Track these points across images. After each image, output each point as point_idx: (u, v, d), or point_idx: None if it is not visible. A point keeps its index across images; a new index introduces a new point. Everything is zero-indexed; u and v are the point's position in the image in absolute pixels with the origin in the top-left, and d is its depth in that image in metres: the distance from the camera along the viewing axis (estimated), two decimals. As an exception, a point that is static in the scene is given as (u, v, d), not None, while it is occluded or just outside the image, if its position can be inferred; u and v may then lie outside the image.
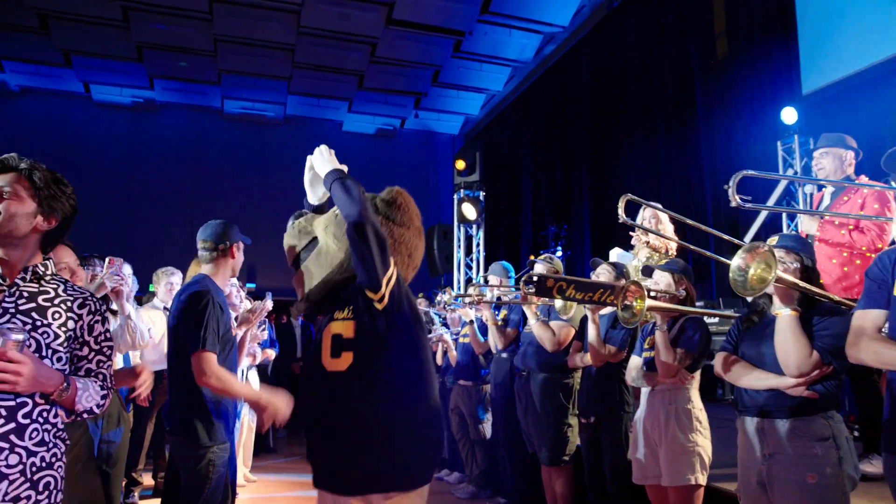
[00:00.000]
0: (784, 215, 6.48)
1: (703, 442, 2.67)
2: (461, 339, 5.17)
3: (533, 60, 11.63)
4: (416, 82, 12.20)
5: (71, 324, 1.67)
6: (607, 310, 3.33)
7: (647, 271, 2.99)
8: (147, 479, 4.97)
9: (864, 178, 3.52)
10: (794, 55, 6.65)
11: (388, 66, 11.46)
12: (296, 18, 9.90)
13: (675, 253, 4.34)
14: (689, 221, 3.10)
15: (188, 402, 2.52)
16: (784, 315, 2.07)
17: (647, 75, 9.32)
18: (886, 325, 1.82)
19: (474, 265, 9.02)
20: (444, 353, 5.45)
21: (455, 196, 8.99)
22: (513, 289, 4.40)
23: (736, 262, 2.10)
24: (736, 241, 2.87)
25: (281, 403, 2.42)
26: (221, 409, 2.58)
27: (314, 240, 1.95)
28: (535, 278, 2.69)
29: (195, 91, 12.25)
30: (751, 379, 2.20)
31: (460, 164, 8.59)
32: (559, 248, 9.97)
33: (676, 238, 4.41)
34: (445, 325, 5.67)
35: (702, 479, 2.64)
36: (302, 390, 1.93)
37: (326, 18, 9.90)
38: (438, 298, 5.78)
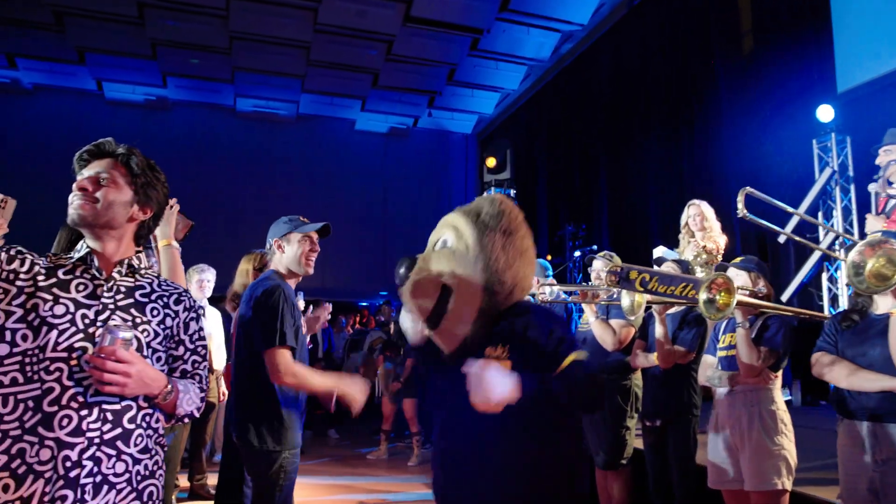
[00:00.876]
0: (820, 216, 6.38)
1: (789, 445, 2.57)
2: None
3: (549, 59, 11.54)
4: (431, 81, 12.10)
5: (168, 321, 1.57)
6: (673, 309, 3.23)
7: (722, 269, 2.88)
8: (183, 481, 4.87)
9: None
10: (827, 52, 6.53)
11: (403, 64, 11.36)
12: (312, 15, 9.80)
13: (722, 252, 4.25)
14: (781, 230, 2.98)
15: (259, 405, 2.41)
16: (899, 315, 1.97)
17: (669, 73, 9.22)
18: None
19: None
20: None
21: (485, 194, 8.87)
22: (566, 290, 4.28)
23: (852, 256, 2.00)
24: (812, 245, 2.78)
25: (357, 391, 2.34)
26: (294, 410, 2.48)
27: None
28: (619, 269, 2.59)
29: (208, 89, 12.13)
30: (858, 380, 2.10)
31: (490, 162, 8.47)
32: (577, 248, 9.87)
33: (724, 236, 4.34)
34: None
35: (788, 484, 2.54)
36: (442, 433, 1.74)
37: (343, 15, 9.80)
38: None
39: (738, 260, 2.88)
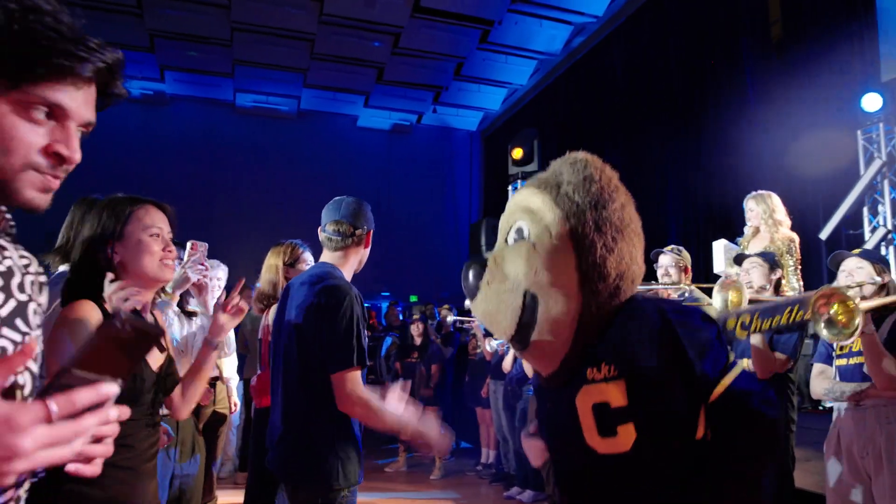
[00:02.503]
0: (865, 210, 6.06)
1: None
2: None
3: (560, 53, 11.20)
4: (438, 75, 11.74)
5: None
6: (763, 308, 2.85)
7: (838, 260, 2.51)
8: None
9: None
10: (870, 37, 6.20)
11: (410, 57, 10.99)
12: (318, 6, 9.41)
13: (797, 245, 3.89)
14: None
15: (318, 434, 1.98)
16: None
17: (689, 65, 8.87)
18: None
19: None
20: (516, 359, 4.96)
21: (511, 187, 8.46)
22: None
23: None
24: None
25: (436, 433, 1.93)
26: (358, 438, 2.07)
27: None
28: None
29: (207, 83, 11.72)
30: None
31: (517, 153, 8.06)
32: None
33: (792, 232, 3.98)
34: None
35: (934, 517, 2.17)
36: (562, 472, 1.35)
37: (350, 6, 9.42)
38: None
39: (857, 250, 2.51)
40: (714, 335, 1.14)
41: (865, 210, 6.06)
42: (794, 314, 2.34)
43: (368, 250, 2.22)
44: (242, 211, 11.99)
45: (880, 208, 6.02)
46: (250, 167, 12.57)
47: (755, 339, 2.72)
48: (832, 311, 2.15)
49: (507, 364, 5.06)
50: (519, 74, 11.90)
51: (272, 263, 3.17)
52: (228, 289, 4.44)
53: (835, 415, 2.42)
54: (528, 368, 4.82)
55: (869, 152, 6.12)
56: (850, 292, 2.25)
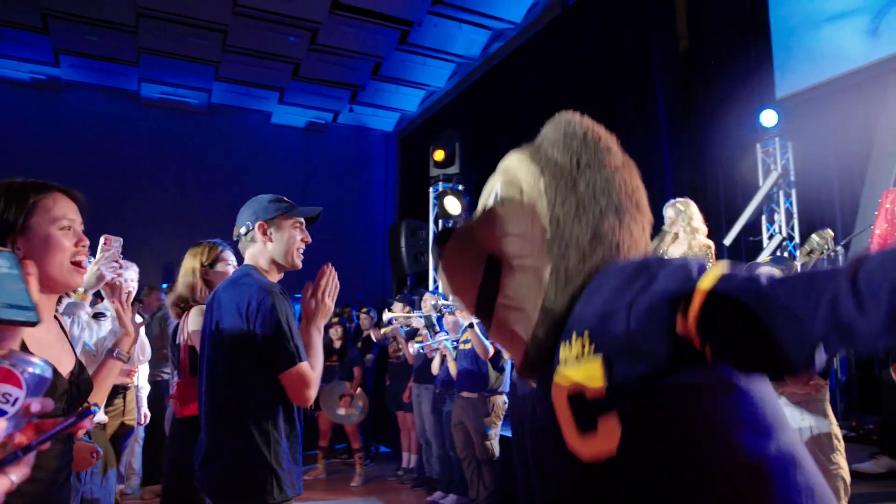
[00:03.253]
0: (763, 218, 6.48)
1: (844, 463, 2.36)
2: (462, 346, 4.68)
3: (478, 58, 11.33)
4: (355, 74, 11.58)
5: None
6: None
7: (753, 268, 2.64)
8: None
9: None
10: (766, 58, 6.66)
11: (327, 54, 10.77)
12: (233, -4, 9.05)
13: (713, 252, 4.09)
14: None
15: (247, 447, 1.88)
16: None
17: (603, 76, 9.20)
18: None
19: (451, 265, 8.41)
20: (443, 362, 4.94)
21: (432, 189, 8.40)
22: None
23: None
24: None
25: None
26: (297, 447, 1.97)
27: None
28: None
29: (109, 71, 10.97)
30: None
31: (439, 155, 8.01)
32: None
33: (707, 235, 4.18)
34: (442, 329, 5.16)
35: (845, 507, 2.32)
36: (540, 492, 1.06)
37: (267, -2, 9.12)
38: (433, 302, 5.26)
39: (767, 258, 2.66)
40: (686, 266, 0.84)
41: (764, 218, 6.49)
42: None
43: (280, 242, 2.13)
44: (150, 207, 11.35)
45: (776, 217, 6.46)
46: (157, 161, 11.91)
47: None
48: None
49: (435, 367, 5.03)
50: (437, 77, 11.93)
51: (189, 265, 2.98)
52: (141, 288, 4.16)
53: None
54: (454, 371, 4.82)
55: (767, 165, 6.56)
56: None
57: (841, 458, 2.35)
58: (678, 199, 4.19)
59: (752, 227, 6.50)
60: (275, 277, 2.16)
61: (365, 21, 9.82)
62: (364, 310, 6.79)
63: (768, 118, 6.33)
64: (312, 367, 1.96)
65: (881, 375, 3.88)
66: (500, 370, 4.42)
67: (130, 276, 3.98)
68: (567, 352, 0.93)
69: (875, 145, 5.56)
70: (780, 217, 6.40)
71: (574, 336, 0.92)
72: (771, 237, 6.38)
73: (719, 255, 6.67)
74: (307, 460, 6.60)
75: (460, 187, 8.16)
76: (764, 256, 5.05)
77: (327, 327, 6.55)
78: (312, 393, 1.94)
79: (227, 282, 2.18)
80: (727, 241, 6.41)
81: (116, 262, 2.32)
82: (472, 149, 11.81)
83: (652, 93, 8.19)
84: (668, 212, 4.20)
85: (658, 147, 7.95)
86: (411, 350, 5.37)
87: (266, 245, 2.13)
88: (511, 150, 1.17)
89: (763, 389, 0.89)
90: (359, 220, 14.19)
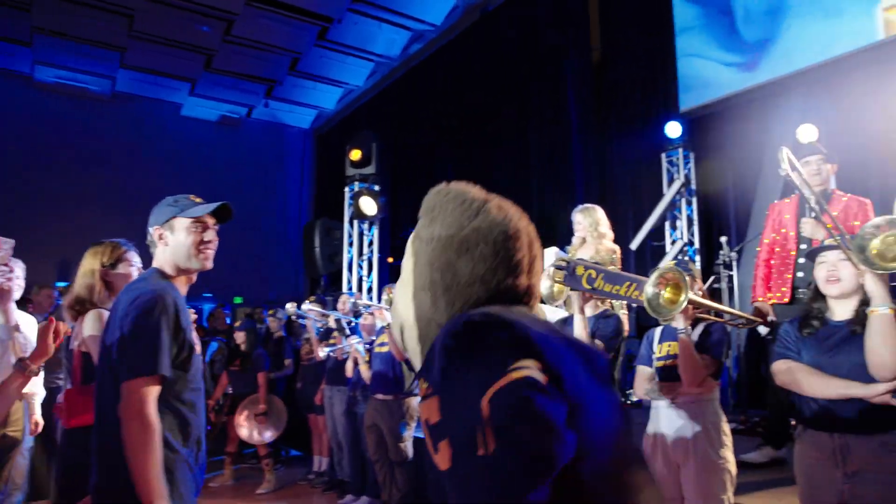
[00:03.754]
0: (667, 224, 6.81)
1: (731, 457, 2.51)
2: (377, 349, 4.65)
3: (398, 58, 11.31)
4: (272, 68, 11.28)
5: None
6: (588, 310, 3.07)
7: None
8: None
9: (837, 192, 3.62)
10: (671, 72, 7.00)
11: (242, 47, 10.44)
12: (140, -21, 8.63)
13: (618, 257, 4.26)
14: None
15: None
16: (883, 313, 1.93)
17: (519, 82, 9.40)
18: None
19: (365, 265, 8.31)
20: (355, 363, 4.89)
21: (347, 189, 8.26)
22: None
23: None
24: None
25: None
26: (186, 454, 1.90)
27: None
28: (567, 263, 2.35)
29: (-3, 51, 10.19)
30: (825, 388, 2.05)
31: (355, 155, 7.89)
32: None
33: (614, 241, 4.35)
34: (355, 332, 5.10)
35: (732, 499, 2.48)
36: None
37: (179, -16, 8.76)
38: (349, 300, 5.20)
39: (671, 263, 2.80)
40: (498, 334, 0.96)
41: (667, 225, 6.82)
42: (630, 290, 2.54)
43: (177, 244, 2.05)
44: (43, 200, 10.61)
45: (678, 223, 6.82)
46: (53, 150, 11.13)
47: (578, 331, 2.89)
48: (664, 292, 2.38)
49: (348, 369, 4.97)
50: (356, 75, 11.83)
51: (89, 265, 2.81)
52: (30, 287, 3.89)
53: (653, 411, 2.68)
54: (366, 374, 4.79)
55: (671, 173, 6.90)
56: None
57: (728, 453, 2.51)
58: (585, 205, 4.34)
59: (657, 233, 6.82)
60: (181, 281, 2.07)
61: (283, 15, 9.61)
62: (272, 311, 6.61)
63: (673, 129, 6.67)
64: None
65: (766, 373, 4.17)
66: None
67: (17, 274, 3.72)
68: (423, 388, 1.07)
69: (766, 159, 5.96)
70: (681, 223, 6.76)
71: (423, 378, 1.07)
72: (674, 242, 6.72)
73: (627, 259, 6.97)
74: (214, 466, 6.37)
75: (376, 188, 8.11)
76: (667, 262, 5.32)
77: (231, 330, 6.33)
78: (132, 421, 1.77)
79: (127, 286, 2.10)
80: (633, 245, 6.70)
81: (6, 265, 2.17)
82: (389, 149, 11.78)
83: (565, 100, 8.44)
84: (577, 217, 4.33)
85: (569, 154, 8.20)
86: (321, 353, 5.29)
87: (165, 249, 2.06)
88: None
89: None
90: (273, 218, 13.84)
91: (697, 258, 6.65)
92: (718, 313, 2.75)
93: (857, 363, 2.02)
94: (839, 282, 2.14)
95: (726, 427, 2.55)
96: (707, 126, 6.89)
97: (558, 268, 2.38)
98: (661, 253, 6.73)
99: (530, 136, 9.02)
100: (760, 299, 3.68)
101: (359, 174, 7.96)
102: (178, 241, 2.04)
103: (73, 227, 9.32)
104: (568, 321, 3.11)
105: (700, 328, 2.63)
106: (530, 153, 8.95)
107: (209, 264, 2.09)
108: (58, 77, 10.96)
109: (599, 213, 4.25)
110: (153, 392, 1.80)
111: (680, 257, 6.57)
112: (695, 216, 6.80)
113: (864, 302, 2.07)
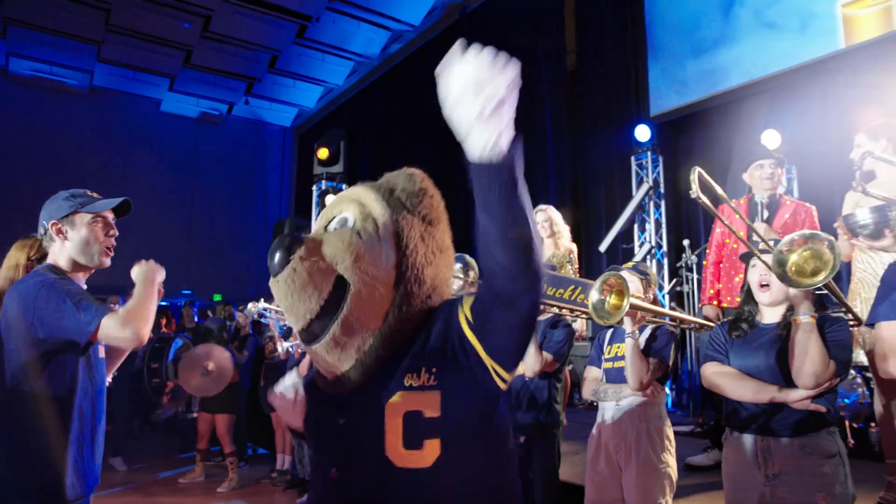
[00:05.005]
0: (636, 227, 6.85)
1: (673, 462, 2.52)
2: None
3: (377, 58, 11.30)
4: (251, 65, 11.25)
5: None
6: (543, 315, 3.09)
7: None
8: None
9: (784, 196, 3.65)
10: (643, 77, 7.05)
11: (221, 43, 10.41)
12: (116, -27, 8.57)
13: (576, 256, 4.28)
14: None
15: (25, 451, 1.81)
16: (806, 322, 1.96)
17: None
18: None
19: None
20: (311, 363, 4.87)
21: (315, 187, 8.25)
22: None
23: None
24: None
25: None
26: (86, 439, 1.90)
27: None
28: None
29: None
30: (748, 392, 2.07)
31: (323, 153, 7.88)
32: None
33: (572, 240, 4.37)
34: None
35: (671, 502, 2.49)
36: (343, 484, 1.23)
37: (154, -21, 8.71)
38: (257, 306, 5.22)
39: (629, 265, 2.82)
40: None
41: (636, 227, 6.86)
42: (575, 293, 2.55)
43: (77, 240, 2.03)
44: (15, 195, 10.48)
45: (647, 226, 6.86)
46: (30, 146, 11.04)
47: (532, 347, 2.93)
48: (608, 298, 2.39)
49: (303, 367, 4.94)
50: (336, 74, 11.81)
51: (14, 261, 2.75)
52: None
53: (599, 413, 2.69)
54: (304, 369, 4.77)
55: (640, 177, 6.95)
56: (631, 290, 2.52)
57: (670, 458, 2.52)
58: (541, 206, 4.35)
59: (626, 235, 6.86)
60: (78, 278, 2.04)
61: (259, 12, 9.57)
62: (241, 307, 6.59)
63: (642, 133, 6.71)
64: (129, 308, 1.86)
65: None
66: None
67: None
68: (413, 379, 1.13)
69: (733, 162, 6.01)
70: (650, 226, 6.80)
71: (423, 370, 1.13)
72: (642, 244, 6.76)
73: (598, 261, 7.02)
74: (187, 462, 6.35)
75: (344, 186, 8.10)
76: (629, 263, 5.34)
77: (198, 328, 6.26)
78: (138, 329, 1.83)
79: (16, 283, 2.06)
80: (602, 247, 6.74)
81: None
82: (368, 147, 11.79)
83: (540, 102, 8.47)
84: (536, 217, 4.35)
85: (544, 156, 8.23)
86: (279, 349, 5.28)
87: (64, 244, 2.02)
88: (360, 185, 1.30)
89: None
90: (253, 215, 13.79)
91: (665, 261, 6.69)
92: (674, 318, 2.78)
93: (780, 367, 2.04)
94: (769, 288, 2.16)
95: (670, 432, 2.57)
96: (677, 130, 6.95)
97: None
98: (630, 255, 6.77)
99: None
100: (715, 303, 3.70)
101: (326, 172, 7.96)
102: (80, 236, 2.01)
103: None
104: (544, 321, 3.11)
105: (648, 331, 2.64)
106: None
107: (108, 262, 2.06)
108: (34, 70, 10.88)
109: (553, 212, 4.28)
110: (116, 321, 1.81)
111: (648, 259, 6.62)
112: (663, 219, 6.84)
113: (793, 307, 2.09)
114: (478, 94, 0.91)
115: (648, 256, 6.63)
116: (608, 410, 2.61)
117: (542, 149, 8.25)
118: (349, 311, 1.13)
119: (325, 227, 1.26)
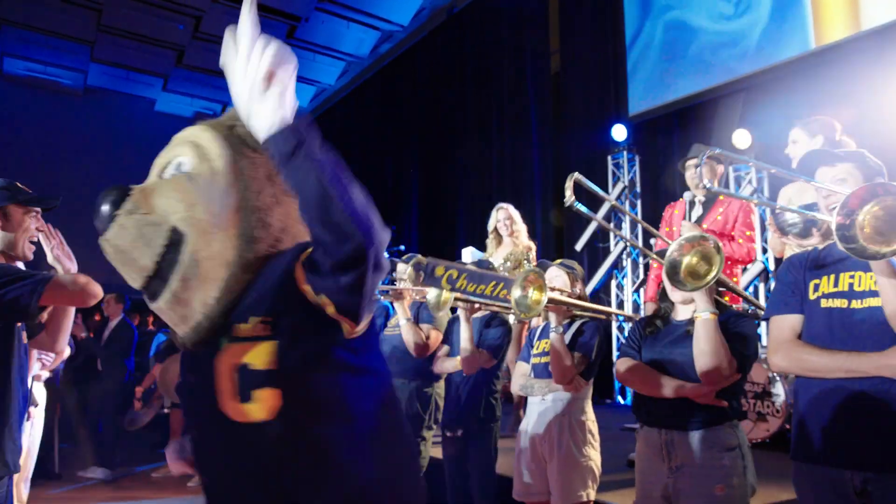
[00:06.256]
0: (612, 225, 6.86)
1: (595, 455, 2.56)
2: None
3: (368, 57, 11.37)
4: (243, 65, 11.30)
5: None
6: (479, 312, 3.13)
7: (542, 268, 2.83)
8: None
9: (724, 196, 3.67)
10: (623, 78, 7.07)
11: (212, 43, 10.46)
12: (106, -26, 8.67)
13: (534, 255, 4.32)
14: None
15: None
16: (705, 318, 1.99)
17: (483, 82, 9.48)
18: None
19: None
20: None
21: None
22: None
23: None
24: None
25: None
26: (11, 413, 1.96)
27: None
28: (425, 264, 2.38)
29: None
30: (653, 386, 2.11)
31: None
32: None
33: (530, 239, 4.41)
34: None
35: (592, 495, 2.53)
36: (198, 448, 1.21)
37: (144, -20, 8.80)
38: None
39: (558, 261, 2.86)
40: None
41: (612, 226, 6.87)
42: (498, 289, 2.58)
43: (9, 232, 2.09)
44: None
45: (623, 225, 6.87)
46: (25, 145, 11.15)
47: (464, 336, 2.94)
48: (529, 293, 2.43)
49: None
50: (327, 74, 11.88)
51: None
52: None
53: (527, 407, 2.73)
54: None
55: (617, 176, 6.97)
56: (552, 286, 2.57)
57: (592, 451, 2.55)
58: (500, 204, 4.39)
59: (603, 235, 6.88)
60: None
61: (249, 12, 9.63)
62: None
63: (619, 133, 6.73)
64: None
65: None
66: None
67: None
68: (243, 329, 1.04)
69: (708, 163, 6.01)
70: (626, 225, 6.82)
71: (252, 318, 1.04)
72: (617, 243, 6.79)
73: (579, 260, 7.03)
74: (161, 458, 6.40)
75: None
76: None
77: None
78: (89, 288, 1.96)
79: None
80: (578, 246, 6.76)
81: None
82: (360, 145, 11.87)
83: (526, 102, 8.51)
84: (496, 214, 4.38)
85: (529, 154, 8.27)
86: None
87: None
88: (197, 124, 1.18)
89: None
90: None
91: (640, 259, 6.71)
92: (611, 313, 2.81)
93: (685, 362, 2.08)
94: (681, 286, 2.19)
95: (593, 426, 2.60)
96: (655, 130, 6.96)
97: (416, 268, 2.40)
98: (606, 254, 6.80)
99: (490, 137, 9.09)
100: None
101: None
102: (11, 228, 2.07)
103: (52, 222, 9.31)
104: (456, 322, 3.17)
105: (575, 326, 2.67)
106: (492, 152, 9.02)
107: (31, 256, 2.13)
108: (28, 70, 11.00)
109: (513, 211, 4.32)
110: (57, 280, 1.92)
111: (624, 258, 6.64)
112: (639, 218, 6.85)
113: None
114: (244, 78, 0.97)
115: (624, 255, 6.66)
116: (534, 404, 2.65)
117: (528, 148, 8.29)
118: (187, 266, 1.06)
119: (161, 175, 1.15)
